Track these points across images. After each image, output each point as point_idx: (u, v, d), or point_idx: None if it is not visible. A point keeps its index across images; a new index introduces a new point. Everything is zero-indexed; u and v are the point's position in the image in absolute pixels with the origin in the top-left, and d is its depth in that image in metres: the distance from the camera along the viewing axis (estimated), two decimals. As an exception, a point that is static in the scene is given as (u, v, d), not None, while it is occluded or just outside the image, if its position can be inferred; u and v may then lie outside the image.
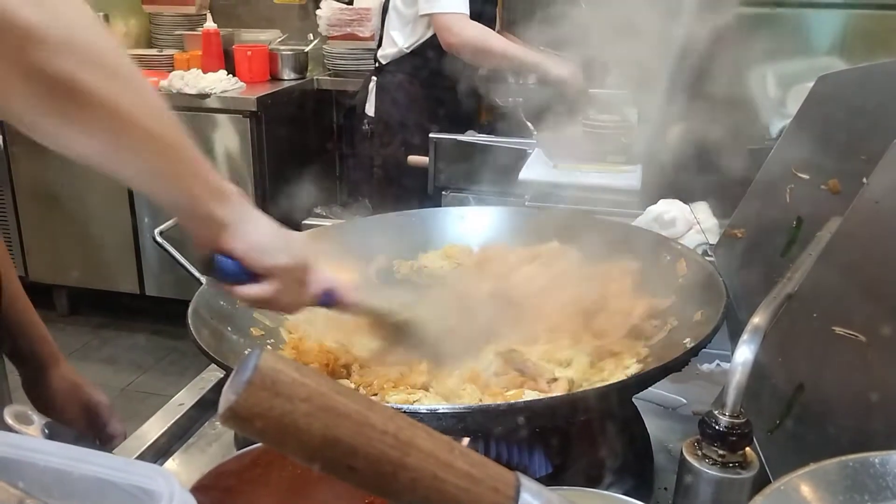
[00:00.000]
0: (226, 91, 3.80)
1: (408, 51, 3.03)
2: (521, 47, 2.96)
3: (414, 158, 2.65)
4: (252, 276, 0.94)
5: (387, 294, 1.26)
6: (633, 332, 1.13)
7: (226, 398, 0.46)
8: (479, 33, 2.88)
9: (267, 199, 3.83)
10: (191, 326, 1.05)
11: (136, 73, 0.85)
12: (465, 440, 0.98)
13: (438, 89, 3.04)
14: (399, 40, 3.04)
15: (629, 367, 1.06)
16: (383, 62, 3.13)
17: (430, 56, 2.95)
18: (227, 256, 0.92)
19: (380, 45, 3.19)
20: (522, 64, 3.00)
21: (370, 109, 3.18)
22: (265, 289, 0.95)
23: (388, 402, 1.00)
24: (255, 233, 0.93)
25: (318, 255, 1.01)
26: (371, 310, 1.13)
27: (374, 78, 3.18)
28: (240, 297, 0.96)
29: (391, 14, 3.09)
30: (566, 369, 1.07)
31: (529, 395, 1.01)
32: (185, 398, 1.24)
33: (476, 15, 2.98)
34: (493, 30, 3.22)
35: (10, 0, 0.73)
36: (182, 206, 0.89)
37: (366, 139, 3.24)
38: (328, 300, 1.04)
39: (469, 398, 1.01)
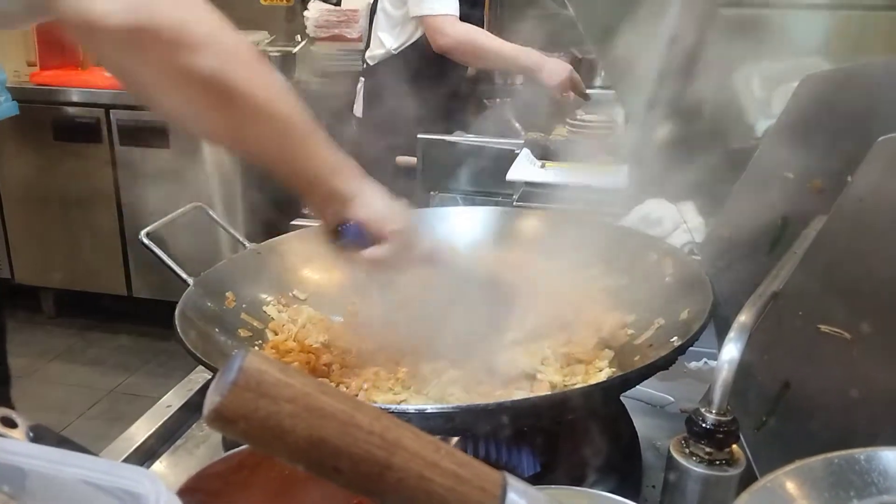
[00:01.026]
0: (214, 92, 3.79)
1: (396, 52, 3.03)
2: (513, 46, 2.96)
3: (402, 159, 2.65)
4: (373, 241, 1.06)
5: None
6: (600, 343, 1.13)
7: (210, 400, 0.45)
8: (470, 33, 2.88)
9: (254, 201, 3.82)
10: (178, 328, 1.05)
11: (262, 61, 1.00)
12: (454, 440, 0.99)
13: (426, 90, 3.04)
14: (387, 42, 3.04)
15: (602, 371, 1.07)
16: (371, 63, 3.13)
17: (419, 57, 2.96)
18: (351, 225, 1.05)
19: (367, 46, 3.19)
20: (514, 63, 3.01)
21: (357, 110, 3.18)
22: (386, 250, 1.06)
23: (374, 402, 1.01)
24: (374, 203, 1.05)
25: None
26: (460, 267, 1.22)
27: (361, 79, 3.18)
28: (365, 260, 1.07)
29: (379, 15, 3.09)
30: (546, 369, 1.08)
31: (518, 394, 1.01)
32: (172, 400, 1.24)
33: (463, 17, 2.99)
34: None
35: (158, 7, 0.80)
36: (308, 182, 1.01)
37: (353, 140, 3.24)
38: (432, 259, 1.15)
39: (455, 399, 1.01)
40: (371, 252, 1.07)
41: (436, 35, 2.87)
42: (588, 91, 3.18)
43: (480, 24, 3.23)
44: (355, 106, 3.20)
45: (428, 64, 2.95)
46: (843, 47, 1.26)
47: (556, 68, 2.94)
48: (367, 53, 3.16)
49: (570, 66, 2.99)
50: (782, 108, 1.00)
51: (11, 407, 1.45)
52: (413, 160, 2.56)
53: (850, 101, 0.91)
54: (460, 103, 3.39)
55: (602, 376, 1.05)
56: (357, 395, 1.05)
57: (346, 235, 1.06)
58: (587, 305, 1.22)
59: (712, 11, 1.38)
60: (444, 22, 2.84)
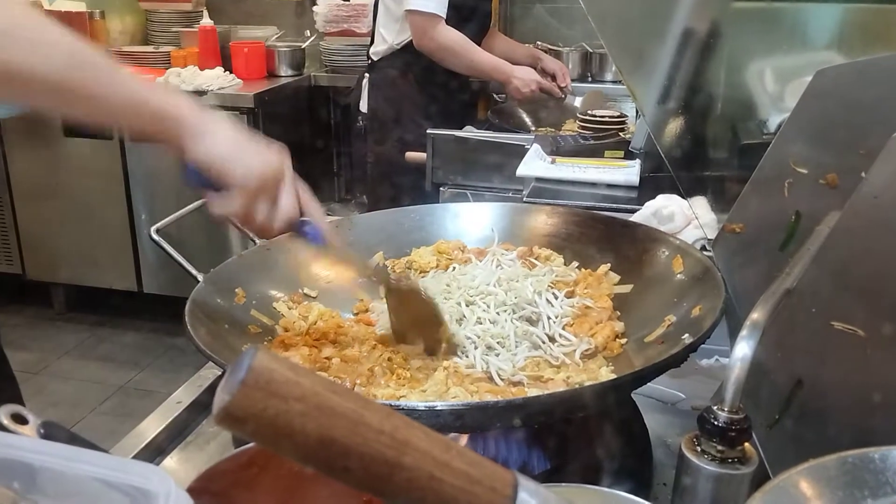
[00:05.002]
0: (222, 88, 3.79)
1: (398, 47, 3.04)
2: (489, 58, 3.02)
3: (412, 155, 2.65)
4: (218, 187, 0.95)
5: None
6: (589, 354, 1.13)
7: (220, 398, 0.45)
8: (451, 41, 2.91)
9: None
10: (188, 324, 1.05)
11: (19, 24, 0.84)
12: (464, 439, 0.98)
13: (431, 85, 3.05)
14: (388, 37, 3.05)
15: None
16: (375, 59, 3.13)
17: (422, 53, 2.96)
18: (189, 166, 0.94)
19: (372, 41, 3.19)
20: (486, 75, 3.13)
21: (363, 106, 3.19)
22: (232, 201, 0.96)
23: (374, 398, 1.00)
24: (213, 142, 0.93)
25: (293, 176, 1.00)
26: (352, 258, 1.15)
27: (366, 75, 3.19)
28: (210, 209, 0.97)
29: (381, 11, 3.09)
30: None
31: (529, 391, 1.01)
32: (182, 396, 1.24)
33: (470, 10, 2.99)
34: (489, 26, 3.25)
35: None
36: (125, 111, 0.90)
37: (361, 136, 3.25)
38: (307, 232, 1.03)
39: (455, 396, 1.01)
40: (212, 200, 0.97)
41: (420, 35, 2.91)
42: (598, 86, 3.21)
43: (488, 17, 3.24)
44: (361, 101, 3.21)
45: (431, 59, 2.96)
46: (857, 41, 1.25)
47: (524, 78, 3.01)
48: (371, 49, 3.16)
49: (537, 77, 3.05)
50: (796, 103, 0.99)
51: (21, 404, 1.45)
52: (422, 156, 2.56)
53: (864, 96, 0.90)
54: (468, 98, 3.40)
55: (612, 374, 1.05)
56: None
57: (187, 178, 0.95)
58: (596, 304, 1.22)
59: (725, 5, 1.37)
60: (430, 23, 2.86)
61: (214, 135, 0.93)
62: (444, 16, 2.86)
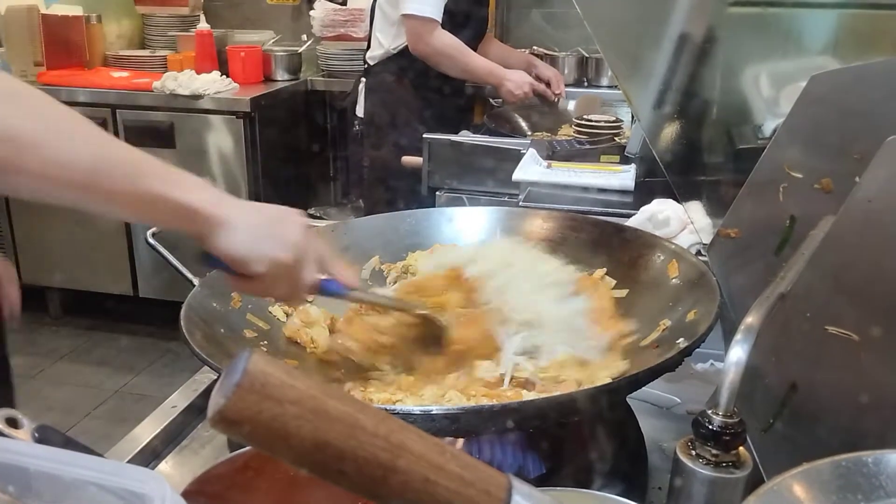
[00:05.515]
0: (219, 92, 3.79)
1: (394, 52, 3.04)
2: (483, 63, 3.04)
3: (408, 159, 2.65)
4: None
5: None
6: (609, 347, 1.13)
7: (215, 401, 0.45)
8: (447, 46, 2.92)
9: (261, 200, 3.82)
10: (183, 328, 1.05)
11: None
12: (460, 443, 0.98)
13: (427, 89, 3.06)
14: (385, 41, 3.06)
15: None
16: (371, 63, 3.14)
17: (417, 57, 2.97)
18: (212, 257, 0.94)
19: (368, 46, 3.20)
20: (479, 80, 3.15)
21: (359, 111, 3.19)
22: (255, 285, 0.97)
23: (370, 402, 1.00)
24: (232, 237, 0.92)
25: (313, 246, 1.00)
26: (376, 300, 1.15)
27: (363, 79, 3.19)
28: (234, 288, 1.00)
29: (377, 15, 3.10)
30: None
31: (524, 396, 1.01)
32: (178, 400, 1.24)
33: (466, 16, 3.00)
34: (485, 31, 3.26)
35: None
36: (149, 223, 0.94)
37: (357, 140, 3.26)
38: (329, 289, 1.04)
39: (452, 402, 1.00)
40: (237, 283, 0.99)
41: (415, 39, 2.92)
42: (593, 90, 3.22)
43: (484, 22, 3.25)
44: (357, 106, 3.21)
45: (427, 64, 2.97)
46: (851, 47, 1.26)
47: (516, 81, 3.02)
48: (368, 54, 3.17)
49: (530, 80, 3.06)
50: (790, 108, 1.00)
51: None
52: (418, 160, 2.56)
53: (859, 100, 0.90)
54: (464, 103, 3.40)
55: (607, 378, 1.05)
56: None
57: (205, 263, 0.97)
58: (594, 308, 1.22)
59: (721, 10, 1.37)
60: (425, 28, 2.87)
61: (234, 229, 0.92)
62: (440, 20, 2.87)
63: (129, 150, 0.88)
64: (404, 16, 2.88)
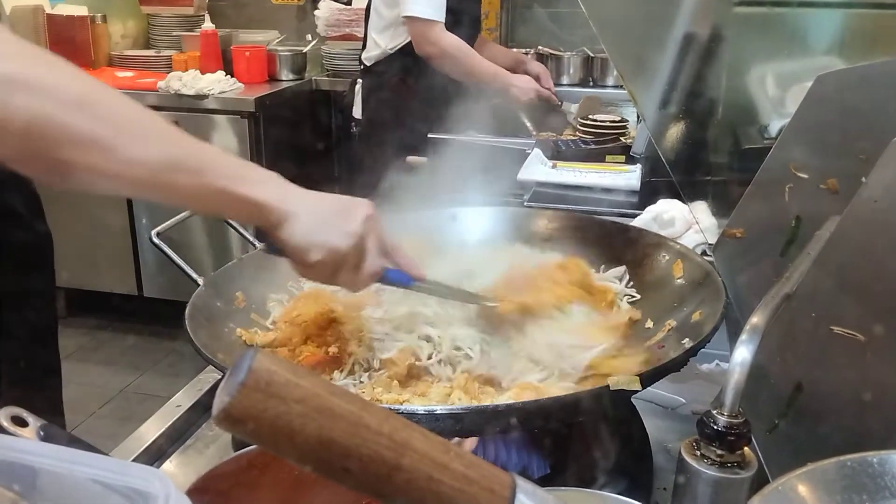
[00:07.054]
0: (224, 92, 3.80)
1: (391, 52, 3.04)
2: (488, 66, 3.02)
3: (413, 159, 2.65)
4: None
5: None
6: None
7: (220, 400, 0.45)
8: (454, 47, 2.91)
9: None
10: (188, 327, 1.05)
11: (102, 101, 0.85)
12: (467, 444, 0.98)
13: (425, 88, 3.05)
14: (381, 42, 3.05)
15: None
16: (368, 64, 3.13)
17: (415, 57, 2.97)
18: (274, 245, 0.98)
19: (364, 47, 3.19)
20: (485, 83, 3.08)
21: (357, 112, 3.19)
22: (316, 273, 1.00)
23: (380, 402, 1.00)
24: (295, 228, 0.95)
25: (376, 235, 1.02)
26: (445, 290, 1.14)
27: (359, 80, 3.19)
28: (299, 275, 1.04)
29: (373, 16, 3.09)
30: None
31: (527, 396, 1.01)
32: (182, 400, 1.24)
33: (460, 16, 2.98)
34: (478, 31, 3.25)
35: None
36: (215, 215, 0.98)
37: (358, 140, 3.26)
38: (393, 278, 1.06)
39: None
40: (301, 271, 1.02)
41: (422, 41, 2.90)
42: (596, 91, 3.21)
43: (478, 22, 3.23)
44: (354, 107, 3.21)
45: (425, 63, 2.96)
46: (858, 46, 1.25)
47: (523, 87, 3.01)
48: (364, 55, 3.15)
49: (536, 86, 3.05)
50: (796, 108, 1.00)
51: (62, 405, 1.46)
52: (423, 160, 2.56)
53: (865, 100, 0.90)
54: (464, 102, 3.40)
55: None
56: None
57: (269, 250, 1.01)
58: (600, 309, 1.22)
59: (726, 10, 1.37)
60: (432, 29, 2.86)
61: (296, 219, 0.95)
62: (443, 20, 2.86)
63: (198, 148, 0.90)
64: (406, 18, 2.88)
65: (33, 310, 1.70)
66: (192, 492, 0.73)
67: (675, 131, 1.42)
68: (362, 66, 3.17)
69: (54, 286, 1.86)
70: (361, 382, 1.08)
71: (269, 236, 0.97)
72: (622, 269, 1.31)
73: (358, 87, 3.18)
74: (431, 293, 1.13)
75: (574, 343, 1.10)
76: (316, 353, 1.13)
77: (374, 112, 3.10)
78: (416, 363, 1.08)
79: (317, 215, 0.97)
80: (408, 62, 2.98)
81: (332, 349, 1.13)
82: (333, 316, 1.19)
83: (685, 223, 1.59)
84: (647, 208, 1.70)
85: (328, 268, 0.98)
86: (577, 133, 2.74)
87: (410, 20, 2.87)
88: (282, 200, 0.94)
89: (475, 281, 1.22)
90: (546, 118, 3.14)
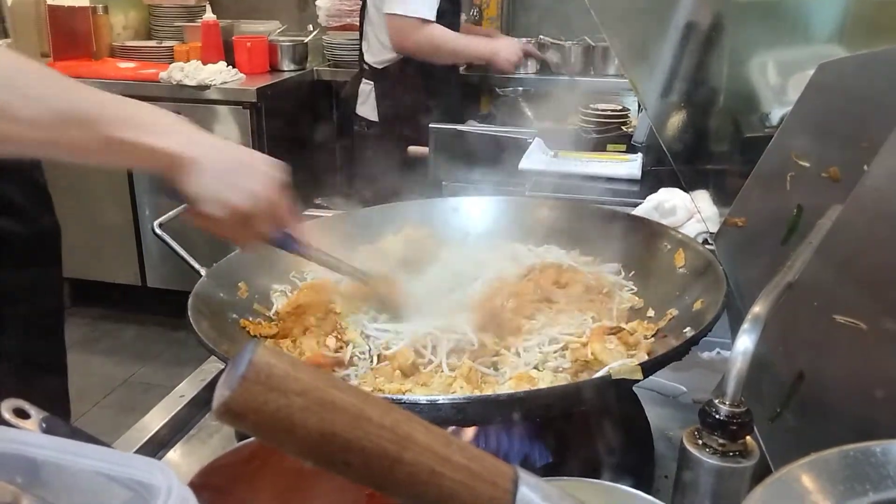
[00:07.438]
0: (225, 82, 3.79)
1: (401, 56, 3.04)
2: (466, 39, 3.06)
3: (414, 149, 2.64)
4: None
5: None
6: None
7: (220, 393, 0.45)
8: (428, 37, 2.91)
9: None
10: (190, 318, 1.05)
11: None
12: (469, 432, 0.98)
13: (433, 80, 3.04)
14: (385, 40, 3.04)
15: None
16: (378, 67, 3.11)
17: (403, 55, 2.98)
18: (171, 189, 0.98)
19: (360, 37, 3.18)
20: (469, 56, 3.17)
21: (365, 112, 3.17)
22: (211, 225, 1.01)
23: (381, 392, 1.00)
24: (199, 178, 0.96)
25: (273, 199, 1.03)
26: (329, 260, 1.16)
27: (369, 81, 3.16)
28: (192, 223, 1.03)
29: (375, 19, 3.07)
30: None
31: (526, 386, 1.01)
32: (185, 390, 1.24)
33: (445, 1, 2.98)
34: (460, 14, 3.24)
35: None
36: (121, 167, 0.96)
37: (362, 130, 3.25)
38: (283, 243, 1.09)
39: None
40: (195, 220, 1.02)
41: (397, 37, 2.92)
42: (600, 80, 3.21)
43: (458, 4, 3.21)
44: (359, 106, 3.19)
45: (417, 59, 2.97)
46: (859, 34, 1.25)
47: (509, 49, 3.03)
48: (370, 57, 3.13)
49: (519, 45, 3.06)
50: (798, 97, 0.99)
51: (68, 399, 1.47)
52: (424, 150, 2.55)
53: (867, 89, 0.90)
54: (470, 92, 3.40)
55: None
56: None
57: (168, 194, 1.00)
58: (600, 298, 1.22)
59: (726, -2, 1.37)
60: (408, 25, 2.86)
61: (201, 169, 0.96)
62: (433, 18, 2.86)
63: (95, 100, 0.91)
64: (389, 15, 2.87)
65: (42, 302, 1.70)
66: (195, 483, 0.73)
67: (677, 120, 1.42)
68: (368, 67, 3.15)
69: (62, 278, 1.87)
70: (364, 373, 1.09)
71: (171, 182, 0.97)
72: (616, 265, 1.31)
73: (370, 89, 3.16)
74: (318, 263, 1.16)
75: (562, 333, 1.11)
76: (317, 353, 1.13)
77: (392, 115, 3.09)
78: (419, 360, 1.08)
79: (222, 169, 0.97)
80: (425, 63, 2.99)
81: (331, 340, 1.13)
82: (333, 307, 1.19)
83: (687, 212, 1.59)
84: (649, 197, 1.70)
85: (224, 222, 1.00)
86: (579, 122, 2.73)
87: (391, 17, 2.87)
88: (186, 147, 0.95)
89: (468, 287, 1.25)
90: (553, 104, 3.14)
